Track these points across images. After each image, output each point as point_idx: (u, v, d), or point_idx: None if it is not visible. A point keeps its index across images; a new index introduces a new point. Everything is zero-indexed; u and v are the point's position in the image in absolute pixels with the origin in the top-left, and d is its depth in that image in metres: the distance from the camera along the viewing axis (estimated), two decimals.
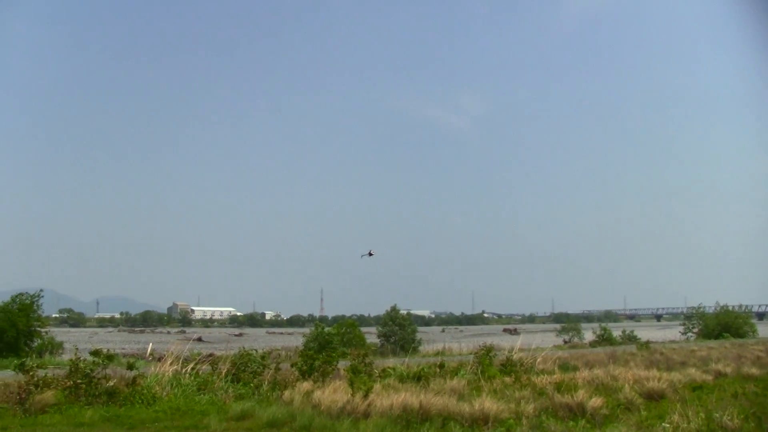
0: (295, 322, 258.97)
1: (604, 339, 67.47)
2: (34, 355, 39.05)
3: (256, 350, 27.74)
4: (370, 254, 57.64)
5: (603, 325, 75.51)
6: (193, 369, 24.06)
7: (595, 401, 17.51)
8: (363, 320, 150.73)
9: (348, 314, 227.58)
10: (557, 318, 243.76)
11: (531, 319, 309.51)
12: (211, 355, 28.92)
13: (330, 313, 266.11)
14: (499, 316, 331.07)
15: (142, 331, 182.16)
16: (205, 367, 25.05)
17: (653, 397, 20.47)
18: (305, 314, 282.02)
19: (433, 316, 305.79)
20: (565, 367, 31.25)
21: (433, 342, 73.53)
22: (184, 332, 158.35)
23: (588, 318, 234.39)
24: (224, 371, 23.85)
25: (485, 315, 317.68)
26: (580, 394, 18.13)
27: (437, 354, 45.59)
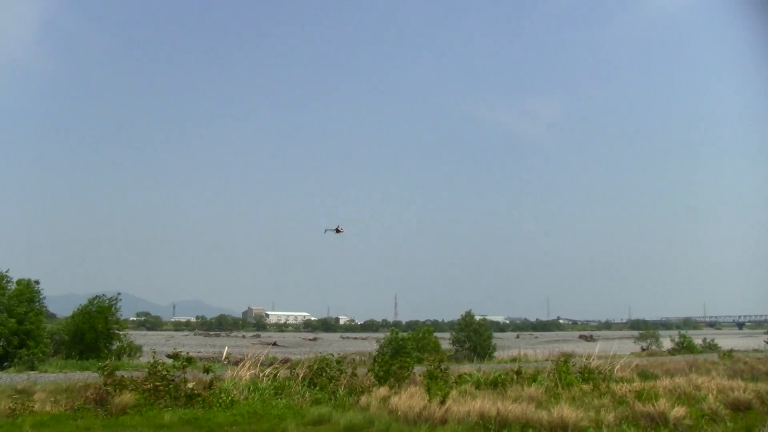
0: (368, 327, 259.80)
1: (684, 347, 65.74)
2: (113, 357, 39.94)
3: (333, 355, 27.89)
4: (338, 230, 57.79)
5: (682, 332, 73.38)
6: (270, 373, 24.28)
7: (678, 411, 17.08)
8: (437, 325, 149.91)
9: (422, 319, 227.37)
10: (634, 325, 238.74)
11: (607, 325, 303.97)
12: (286, 359, 29.20)
13: (404, 319, 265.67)
14: (575, 322, 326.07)
15: (217, 335, 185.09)
16: (282, 372, 25.25)
17: (739, 407, 19.82)
18: (379, 319, 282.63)
19: (507, 322, 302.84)
20: (644, 375, 30.64)
21: (507, 348, 72.82)
22: (259, 336, 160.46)
23: (666, 325, 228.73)
24: (301, 376, 24.02)
25: (560, 321, 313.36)
26: (662, 404, 17.71)
27: (513, 360, 45.22)
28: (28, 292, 42.40)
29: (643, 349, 72.05)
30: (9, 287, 42.20)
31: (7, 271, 42.74)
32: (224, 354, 44.58)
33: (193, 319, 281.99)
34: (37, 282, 43.76)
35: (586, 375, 27.41)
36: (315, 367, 24.88)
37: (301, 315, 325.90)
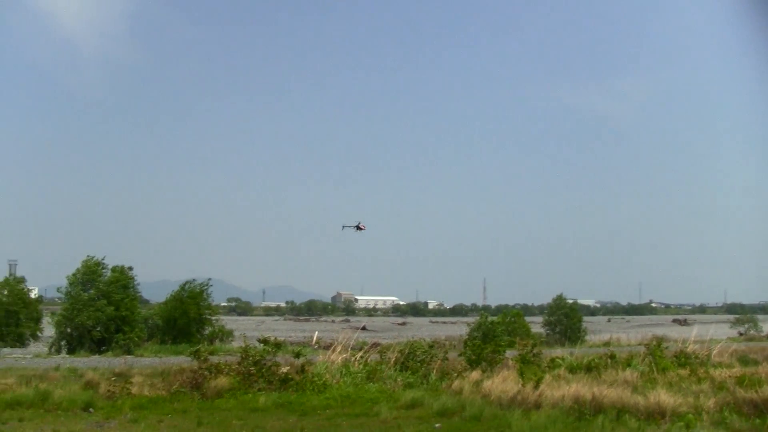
0: (457, 311, 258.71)
1: None
2: (205, 342, 40.74)
3: (423, 339, 27.91)
4: (358, 228, 56.31)
5: None
6: (361, 357, 24.43)
7: None
8: (527, 309, 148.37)
9: (511, 303, 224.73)
10: (730, 309, 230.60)
11: (701, 309, 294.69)
12: (376, 344, 29.31)
13: (493, 303, 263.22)
14: (667, 306, 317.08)
15: (307, 320, 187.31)
16: (373, 356, 25.38)
17: None
18: (468, 303, 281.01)
19: (598, 306, 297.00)
20: (743, 360, 29.62)
21: (598, 332, 71.59)
22: (348, 321, 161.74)
23: (765, 309, 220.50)
24: (392, 360, 24.11)
25: (652, 305, 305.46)
26: (766, 390, 17.01)
27: (605, 345, 44.40)
28: (123, 278, 43.68)
29: (740, 334, 69.78)
30: (105, 274, 43.55)
31: (103, 259, 44.14)
32: (314, 339, 44.91)
33: (282, 304, 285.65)
34: (131, 269, 45.06)
35: (682, 360, 26.69)
36: (406, 351, 24.93)
37: (389, 299, 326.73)
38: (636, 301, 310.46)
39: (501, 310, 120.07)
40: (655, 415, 15.92)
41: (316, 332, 50.00)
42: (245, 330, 48.84)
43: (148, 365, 26.19)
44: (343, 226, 56.29)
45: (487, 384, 19.80)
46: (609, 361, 26.18)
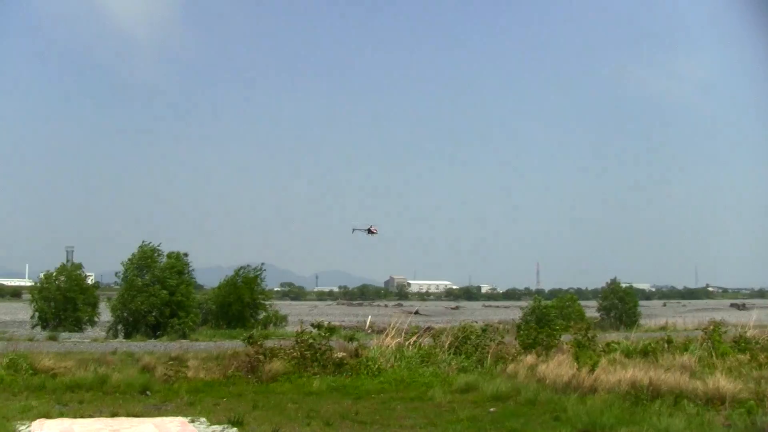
0: (510, 295, 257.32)
1: None
2: (259, 327, 41.05)
3: (477, 323, 27.80)
4: (370, 231, 54.45)
5: None
6: (415, 342, 24.44)
7: None
8: (580, 293, 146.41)
9: (565, 287, 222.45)
10: None
11: (761, 293, 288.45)
12: (429, 327, 29.25)
13: (546, 287, 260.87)
14: (725, 290, 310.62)
15: (360, 304, 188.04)
16: (427, 340, 25.37)
17: None
18: (521, 287, 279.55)
19: (653, 289, 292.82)
20: None
21: (654, 317, 70.45)
22: (401, 305, 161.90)
23: None
24: (446, 344, 24.07)
25: (709, 289, 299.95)
26: None
27: (661, 329, 43.75)
28: (178, 264, 44.26)
29: None
30: (160, 260, 44.20)
31: (158, 245, 44.78)
32: (367, 323, 45.17)
33: (335, 289, 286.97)
34: (185, 254, 45.63)
35: (742, 345, 26.12)
36: (460, 335, 24.88)
37: (442, 284, 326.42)
38: (692, 285, 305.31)
39: (554, 294, 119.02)
40: (715, 400, 15.63)
41: (369, 317, 50.29)
42: (298, 315, 49.25)
43: (203, 349, 26.50)
44: (354, 229, 54.61)
45: (542, 368, 19.67)
46: (666, 345, 25.77)
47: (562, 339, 25.39)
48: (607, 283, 63.46)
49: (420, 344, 24.59)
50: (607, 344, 25.78)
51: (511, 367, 21.01)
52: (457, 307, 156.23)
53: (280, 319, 49.54)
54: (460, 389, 18.37)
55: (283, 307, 64.48)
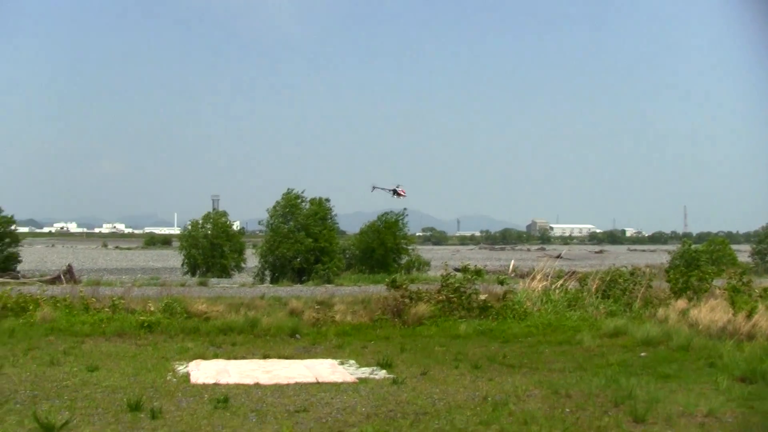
0: (656, 239, 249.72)
1: None
2: (402, 271, 41.50)
3: (625, 267, 27.04)
4: (395, 192, 50.39)
5: None
6: (561, 285, 24.05)
7: None
8: (731, 237, 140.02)
9: (714, 231, 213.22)
10: None
11: None
12: (573, 272, 28.68)
13: (694, 230, 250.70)
14: None
15: (502, 249, 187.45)
16: (573, 284, 24.91)
17: None
18: (667, 231, 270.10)
19: None
20: None
21: None
22: (544, 249, 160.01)
23: None
24: (594, 288, 23.56)
25: None
26: None
27: None
28: (321, 211, 45.28)
29: None
30: (304, 207, 45.26)
31: (302, 192, 45.84)
32: (511, 267, 44.69)
33: (477, 233, 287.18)
34: (328, 200, 46.50)
35: None
36: (607, 279, 24.28)
37: (585, 227, 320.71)
38: None
39: (703, 238, 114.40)
40: None
41: (512, 260, 49.81)
42: (440, 259, 49.32)
43: (347, 294, 27.05)
44: (374, 187, 52.18)
45: (694, 313, 18.93)
46: None
47: (713, 284, 24.35)
48: (761, 226, 60.31)
49: (566, 288, 24.19)
50: (765, 289, 24.54)
51: (660, 312, 20.35)
52: (601, 251, 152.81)
53: (423, 264, 49.97)
54: (608, 333, 18.00)
55: (425, 252, 64.94)
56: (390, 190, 51.32)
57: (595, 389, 11.42)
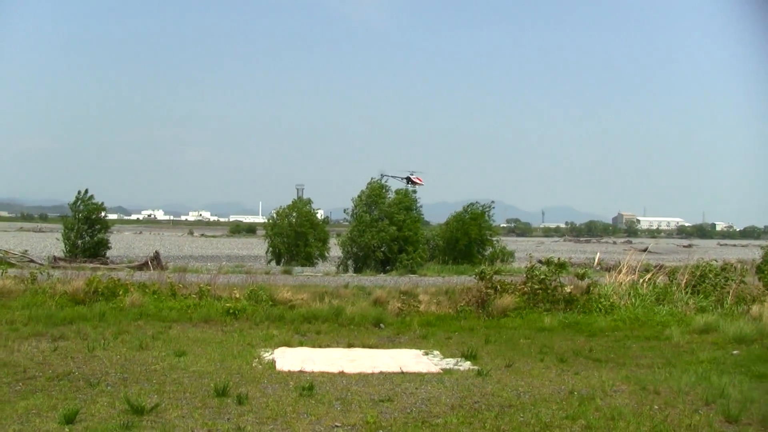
0: (748, 234, 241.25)
1: None
2: (486, 263, 41.12)
3: (715, 261, 26.26)
4: (409, 180, 47.71)
5: None
6: (649, 279, 23.53)
7: None
8: None
9: None
10: None
11: None
12: (660, 266, 28.02)
13: None
14: None
15: (587, 241, 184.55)
16: (661, 278, 24.32)
17: None
18: (760, 225, 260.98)
19: None
20: None
21: None
22: (630, 242, 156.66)
23: None
24: (683, 282, 22.96)
25: None
26: None
27: None
28: (406, 200, 45.24)
29: None
30: (388, 196, 45.28)
31: (386, 181, 45.84)
32: (596, 260, 43.94)
33: (562, 225, 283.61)
34: (414, 191, 46.38)
35: None
36: (697, 273, 23.62)
37: (674, 221, 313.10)
38: None
39: None
40: None
41: (598, 253, 49.03)
42: (524, 251, 48.83)
43: (431, 284, 26.94)
44: (382, 175, 49.30)
45: None
46: None
47: None
48: None
49: (654, 282, 23.64)
50: None
51: (754, 309, 19.68)
52: (690, 245, 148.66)
53: (507, 255, 49.39)
54: (698, 330, 17.53)
55: (509, 243, 64.29)
56: (403, 179, 50.11)
57: (685, 386, 11.14)
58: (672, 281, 23.62)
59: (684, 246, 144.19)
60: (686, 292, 22.46)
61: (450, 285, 24.92)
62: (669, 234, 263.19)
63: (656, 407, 9.93)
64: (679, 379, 11.71)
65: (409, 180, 47.95)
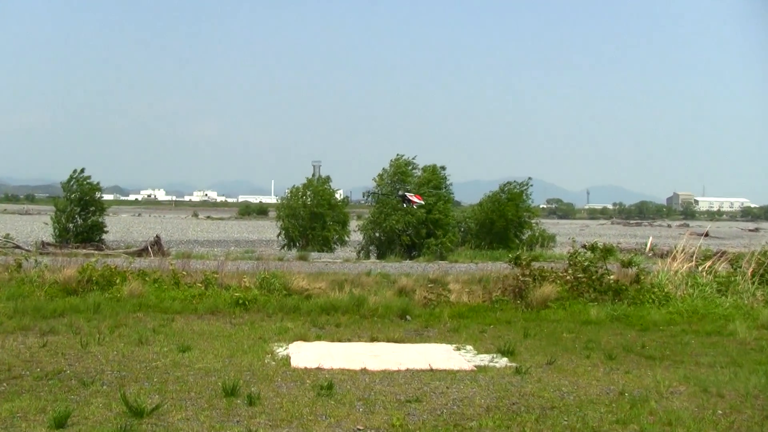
0: None
1: None
2: (524, 247, 40.63)
3: None
4: (405, 199, 46.09)
5: None
6: (710, 267, 23.15)
7: None
8: None
9: None
10: None
11: None
12: (722, 252, 27.56)
13: None
14: None
15: (638, 224, 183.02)
16: (723, 266, 23.94)
17: None
18: None
19: None
20: None
21: None
22: (688, 225, 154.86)
23: None
24: (749, 271, 22.57)
25: None
26: None
27: None
28: (435, 179, 44.77)
29: None
30: (415, 174, 44.78)
31: (413, 158, 45.38)
32: (648, 245, 43.43)
33: (609, 206, 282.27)
34: (443, 168, 45.86)
35: None
36: (766, 261, 23.21)
37: (738, 201, 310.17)
38: None
39: None
40: None
41: (650, 238, 48.49)
42: (567, 235, 48.35)
43: (463, 272, 26.72)
44: (373, 192, 46.92)
45: None
46: None
47: None
48: None
49: (715, 271, 23.28)
50: None
51: None
52: (756, 229, 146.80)
53: (548, 239, 48.72)
54: (767, 324, 17.25)
55: (550, 226, 63.86)
56: (398, 197, 47.88)
57: (753, 389, 10.91)
58: (736, 270, 23.24)
59: (750, 230, 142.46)
60: (753, 282, 22.09)
61: (484, 272, 24.64)
62: (732, 216, 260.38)
63: (720, 412, 9.72)
64: (746, 381, 11.47)
65: (404, 198, 46.58)
